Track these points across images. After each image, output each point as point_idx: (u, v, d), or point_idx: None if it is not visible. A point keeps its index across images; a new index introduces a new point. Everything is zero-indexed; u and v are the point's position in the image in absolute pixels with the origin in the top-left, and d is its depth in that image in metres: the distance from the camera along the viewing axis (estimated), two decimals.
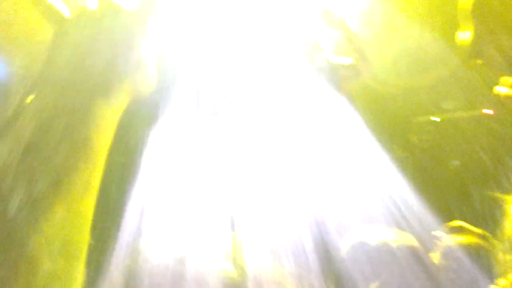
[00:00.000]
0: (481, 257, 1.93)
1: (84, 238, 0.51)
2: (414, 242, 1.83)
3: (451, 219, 2.55)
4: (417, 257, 1.69)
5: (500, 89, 1.17)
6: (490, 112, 4.52)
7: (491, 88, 1.17)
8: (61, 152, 0.49)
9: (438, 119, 4.80)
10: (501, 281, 1.07)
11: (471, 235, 2.09)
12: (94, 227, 0.53)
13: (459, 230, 2.18)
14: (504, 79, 1.16)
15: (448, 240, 2.03)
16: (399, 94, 5.82)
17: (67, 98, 0.52)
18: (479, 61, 1.24)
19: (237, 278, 0.78)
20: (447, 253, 2.03)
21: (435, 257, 2.02)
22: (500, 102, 1.17)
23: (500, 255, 1.13)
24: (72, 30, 0.57)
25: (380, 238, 1.77)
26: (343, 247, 1.81)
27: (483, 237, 2.09)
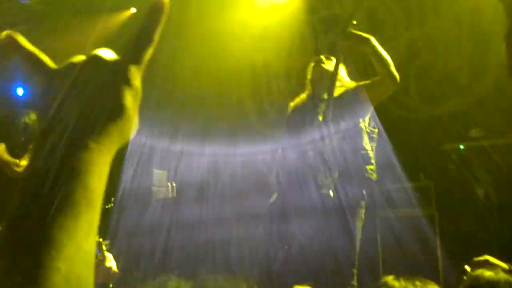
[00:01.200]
0: None
1: (91, 273, 0.55)
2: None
3: (479, 251, 2.48)
4: None
5: None
6: None
7: None
8: (67, 199, 0.54)
9: (464, 147, 4.72)
10: None
11: (497, 270, 2.04)
12: None
13: (485, 264, 2.13)
14: None
15: (474, 275, 1.97)
16: (427, 121, 5.77)
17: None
18: None
19: None
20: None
21: None
22: None
23: None
24: (58, 81, 0.62)
25: None
26: None
27: (509, 271, 2.04)
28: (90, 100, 0.58)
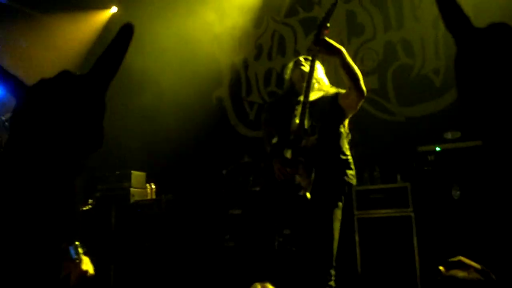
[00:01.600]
0: None
1: None
2: None
3: (455, 252, 2.52)
4: None
5: None
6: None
7: None
8: None
9: (439, 149, 4.79)
10: None
11: (470, 270, 2.08)
12: None
13: (459, 264, 2.17)
14: None
15: (448, 275, 2.01)
16: (403, 123, 5.85)
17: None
18: None
19: None
20: None
21: None
22: None
23: None
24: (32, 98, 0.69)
25: None
26: None
27: (482, 272, 2.08)
28: (62, 110, 0.64)
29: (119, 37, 0.73)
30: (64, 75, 0.69)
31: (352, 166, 3.57)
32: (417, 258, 4.67)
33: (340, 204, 3.48)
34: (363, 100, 3.48)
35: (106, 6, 6.72)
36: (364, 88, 3.42)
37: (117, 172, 6.45)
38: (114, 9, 6.76)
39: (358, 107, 3.50)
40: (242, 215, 5.64)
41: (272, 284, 2.52)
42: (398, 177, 5.17)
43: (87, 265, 2.71)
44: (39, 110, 0.65)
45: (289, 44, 6.95)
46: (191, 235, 5.82)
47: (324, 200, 3.40)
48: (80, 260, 2.66)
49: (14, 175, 0.59)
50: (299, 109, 3.48)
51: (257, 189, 5.38)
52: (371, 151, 5.51)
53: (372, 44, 6.31)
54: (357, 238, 4.99)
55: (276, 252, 3.93)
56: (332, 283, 3.35)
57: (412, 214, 4.81)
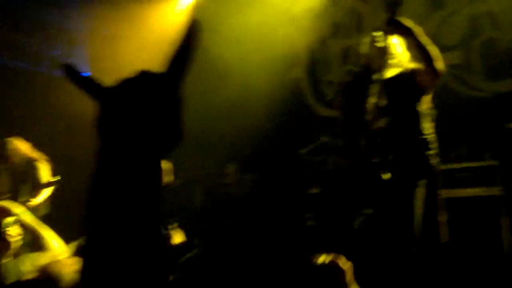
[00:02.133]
0: None
1: None
2: None
3: None
4: None
5: None
6: None
7: None
8: None
9: None
10: None
11: None
12: None
13: None
14: None
15: None
16: (492, 99, 5.60)
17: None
18: None
19: None
20: None
21: None
22: None
23: None
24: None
25: None
26: None
27: None
28: (142, 109, 0.69)
29: (188, 36, 0.76)
30: (142, 75, 0.74)
31: (433, 146, 3.46)
32: (504, 240, 4.51)
33: (420, 183, 3.41)
34: (438, 81, 3.36)
35: None
36: (440, 67, 3.30)
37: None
38: None
39: (436, 85, 3.39)
40: (321, 194, 5.67)
41: (348, 259, 2.56)
42: (487, 155, 4.98)
43: (179, 237, 2.84)
44: (122, 110, 0.70)
45: (367, 21, 6.82)
46: (272, 214, 5.92)
47: (403, 181, 3.35)
48: (170, 235, 2.79)
49: (109, 172, 0.67)
50: (375, 88, 3.42)
51: (334, 168, 5.38)
52: (458, 129, 5.33)
53: (455, 18, 6.07)
54: (442, 218, 4.88)
55: (356, 231, 3.94)
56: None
57: (503, 194, 4.63)
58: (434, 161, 3.46)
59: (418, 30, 3.29)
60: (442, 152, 3.58)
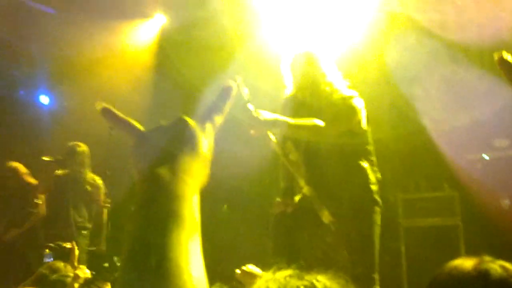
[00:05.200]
0: None
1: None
2: None
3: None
4: None
5: None
6: None
7: None
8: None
9: (487, 157, 4.70)
10: None
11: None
12: None
13: None
14: None
15: None
16: (451, 131, 5.74)
17: None
18: None
19: None
20: None
21: None
22: None
23: None
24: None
25: None
26: None
27: None
28: (178, 149, 0.77)
29: (221, 95, 0.87)
30: (179, 122, 0.80)
31: (371, 177, 3.50)
32: None
33: (376, 208, 3.47)
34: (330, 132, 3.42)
35: (151, 15, 6.82)
36: (314, 131, 3.38)
37: None
38: (162, 19, 6.81)
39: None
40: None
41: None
42: (446, 185, 5.09)
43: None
44: (152, 154, 0.77)
45: None
46: None
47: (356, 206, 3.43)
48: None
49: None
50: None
51: None
52: (417, 159, 5.45)
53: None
54: (403, 247, 4.94)
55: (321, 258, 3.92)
56: (377, 287, 3.34)
57: (461, 224, 4.72)
58: (377, 196, 3.48)
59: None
60: (402, 182, 3.64)
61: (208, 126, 0.82)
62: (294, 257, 3.55)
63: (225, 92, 0.87)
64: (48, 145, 5.20)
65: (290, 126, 3.29)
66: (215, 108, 0.85)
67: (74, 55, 7.06)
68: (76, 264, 3.55)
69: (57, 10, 6.49)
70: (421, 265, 4.80)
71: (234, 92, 0.87)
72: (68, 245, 3.42)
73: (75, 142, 5.37)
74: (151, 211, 0.71)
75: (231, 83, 0.88)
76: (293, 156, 3.50)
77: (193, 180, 0.76)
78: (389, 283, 3.67)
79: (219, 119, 0.84)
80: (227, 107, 0.86)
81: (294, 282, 1.00)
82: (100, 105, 0.82)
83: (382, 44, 5.28)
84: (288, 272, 1.04)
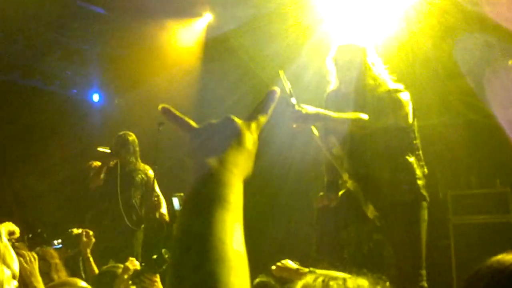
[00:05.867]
0: None
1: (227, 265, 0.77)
2: None
3: None
4: None
5: None
6: None
7: None
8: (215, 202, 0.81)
9: None
10: None
11: None
12: None
13: None
14: None
15: None
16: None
17: None
18: None
19: None
20: None
21: None
22: None
23: None
24: None
25: None
26: None
27: None
28: (226, 143, 0.88)
29: (267, 97, 0.97)
30: (227, 120, 0.90)
31: (417, 172, 3.43)
32: None
33: (424, 203, 3.41)
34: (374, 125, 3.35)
35: (200, 14, 6.91)
36: (357, 124, 3.32)
37: None
38: (208, 17, 6.90)
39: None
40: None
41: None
42: (498, 181, 4.95)
43: None
44: (204, 147, 0.88)
45: None
46: None
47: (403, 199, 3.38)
48: None
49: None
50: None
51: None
52: (469, 155, 5.31)
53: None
54: (452, 244, 4.83)
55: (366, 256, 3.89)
56: (424, 283, 3.29)
57: None
58: (423, 190, 3.41)
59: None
60: (452, 178, 3.57)
61: (253, 124, 0.93)
62: (338, 253, 3.53)
63: (270, 95, 0.98)
64: (98, 140, 5.29)
65: (332, 120, 3.28)
66: (260, 109, 0.96)
67: (124, 54, 7.28)
68: (88, 252, 3.54)
69: (108, 11, 6.68)
70: (471, 263, 4.67)
71: (278, 95, 0.97)
72: (77, 231, 3.37)
73: (125, 131, 5.36)
74: (201, 195, 0.81)
75: (275, 87, 0.98)
76: (336, 150, 3.48)
77: (238, 170, 0.85)
78: (438, 280, 3.60)
79: (263, 119, 0.94)
80: (271, 109, 0.96)
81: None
82: (160, 105, 0.94)
83: (432, 37, 5.17)
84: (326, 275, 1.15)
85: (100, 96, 7.65)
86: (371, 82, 3.46)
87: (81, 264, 3.71)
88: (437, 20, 4.98)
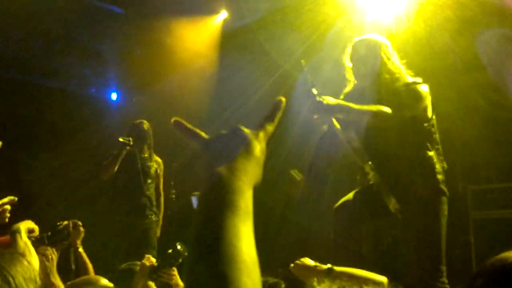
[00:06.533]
0: None
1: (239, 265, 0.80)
2: None
3: None
4: None
5: None
6: None
7: None
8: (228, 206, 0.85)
9: None
10: None
11: None
12: None
13: None
14: None
15: None
16: None
17: None
18: None
19: None
20: None
21: None
22: None
23: None
24: None
25: None
26: None
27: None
28: (235, 152, 0.92)
29: (273, 107, 1.00)
30: (236, 130, 0.94)
31: (437, 167, 3.39)
32: None
33: (444, 198, 3.37)
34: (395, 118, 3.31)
35: (216, 11, 6.94)
36: (379, 117, 3.27)
37: None
38: (224, 14, 6.93)
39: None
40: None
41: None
42: None
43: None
44: (214, 156, 0.92)
45: None
46: None
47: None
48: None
49: None
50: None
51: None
52: (488, 150, 5.24)
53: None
54: (472, 239, 4.78)
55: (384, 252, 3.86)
56: (444, 279, 3.26)
57: None
58: (442, 185, 3.38)
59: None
60: (472, 173, 3.54)
61: (261, 133, 0.96)
62: (355, 249, 3.51)
63: (276, 105, 1.01)
64: (117, 139, 5.30)
65: (354, 111, 3.25)
66: (267, 118, 0.99)
67: (141, 53, 7.33)
68: (78, 243, 3.50)
69: (125, 10, 6.74)
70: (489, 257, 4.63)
71: (283, 105, 1.01)
72: (65, 222, 3.30)
73: (140, 120, 5.27)
74: (212, 201, 0.85)
75: (281, 97, 1.03)
76: (356, 143, 3.45)
77: (247, 178, 0.89)
78: (458, 276, 3.57)
79: (270, 128, 0.98)
80: (278, 118, 1.00)
81: None
82: (172, 118, 0.99)
83: (449, 30, 5.12)
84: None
85: (118, 95, 7.72)
86: (386, 76, 3.43)
87: (71, 255, 3.65)
88: (454, 13, 4.92)
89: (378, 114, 3.24)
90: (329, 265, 2.36)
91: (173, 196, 5.32)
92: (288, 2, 6.11)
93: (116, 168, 5.04)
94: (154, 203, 5.15)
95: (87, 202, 5.93)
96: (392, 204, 3.34)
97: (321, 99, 3.15)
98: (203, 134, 0.98)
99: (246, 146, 0.93)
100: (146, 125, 5.21)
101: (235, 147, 0.92)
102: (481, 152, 5.25)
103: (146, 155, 5.19)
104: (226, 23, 6.88)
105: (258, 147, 0.94)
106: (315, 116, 3.24)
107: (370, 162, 3.39)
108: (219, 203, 0.84)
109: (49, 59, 6.80)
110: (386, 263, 4.25)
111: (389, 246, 4.51)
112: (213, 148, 0.94)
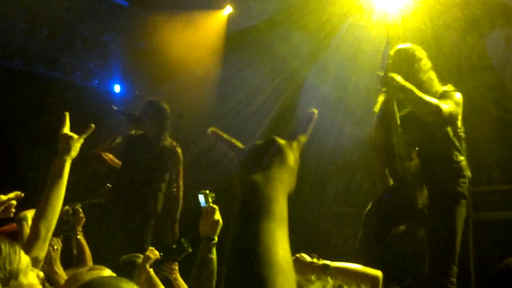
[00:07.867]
0: None
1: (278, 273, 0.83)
2: None
3: None
4: None
5: None
6: None
7: None
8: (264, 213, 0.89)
9: None
10: None
11: None
12: None
13: None
14: None
15: None
16: None
17: None
18: None
19: None
20: None
21: None
22: None
23: None
24: None
25: None
26: None
27: None
28: (270, 161, 0.96)
29: (306, 119, 1.06)
30: (271, 141, 0.99)
31: (465, 173, 3.48)
32: None
33: (463, 201, 3.44)
34: (445, 116, 3.36)
35: (221, 6, 6.93)
36: (433, 109, 3.32)
37: None
38: (228, 9, 6.93)
39: (448, 119, 3.41)
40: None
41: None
42: None
43: (217, 214, 2.77)
44: (250, 166, 0.97)
45: None
46: None
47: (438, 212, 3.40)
48: (213, 209, 2.74)
49: None
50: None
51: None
52: (489, 151, 5.24)
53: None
54: (471, 241, 4.78)
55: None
56: (453, 278, 3.31)
57: None
58: (464, 187, 3.46)
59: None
60: (473, 174, 3.58)
61: (295, 144, 1.01)
62: (381, 251, 3.56)
63: (309, 116, 1.06)
64: (117, 129, 5.25)
65: (415, 96, 3.37)
66: (300, 130, 1.04)
67: (145, 46, 7.33)
68: (79, 230, 3.46)
69: (130, 3, 6.73)
70: (490, 261, 4.63)
71: (316, 117, 1.06)
72: (65, 208, 3.25)
73: (155, 99, 4.69)
74: (248, 208, 0.89)
75: (313, 109, 1.07)
76: (394, 139, 3.53)
77: (282, 186, 0.93)
78: (457, 277, 3.58)
79: (303, 139, 1.03)
80: (310, 129, 1.05)
81: None
82: (210, 129, 1.04)
83: (456, 30, 5.11)
84: None
85: (121, 87, 7.72)
86: (422, 85, 3.52)
87: (74, 241, 3.62)
88: (461, 13, 4.91)
89: (431, 106, 3.31)
90: (325, 261, 2.39)
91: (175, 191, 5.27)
92: (294, 1, 6.10)
93: (109, 147, 4.76)
94: (159, 196, 4.79)
95: (90, 194, 5.93)
96: (422, 198, 3.42)
97: (393, 76, 3.26)
98: (238, 143, 1.03)
99: (281, 156, 0.97)
100: (161, 103, 4.67)
101: (270, 157, 0.97)
102: (483, 153, 5.25)
103: (160, 140, 4.59)
104: (231, 21, 6.86)
105: (292, 157, 0.98)
106: (384, 89, 3.36)
107: (417, 148, 3.49)
108: (256, 209, 0.88)
109: (53, 50, 6.80)
110: (407, 264, 4.30)
111: (413, 247, 4.53)
112: (249, 157, 0.99)
